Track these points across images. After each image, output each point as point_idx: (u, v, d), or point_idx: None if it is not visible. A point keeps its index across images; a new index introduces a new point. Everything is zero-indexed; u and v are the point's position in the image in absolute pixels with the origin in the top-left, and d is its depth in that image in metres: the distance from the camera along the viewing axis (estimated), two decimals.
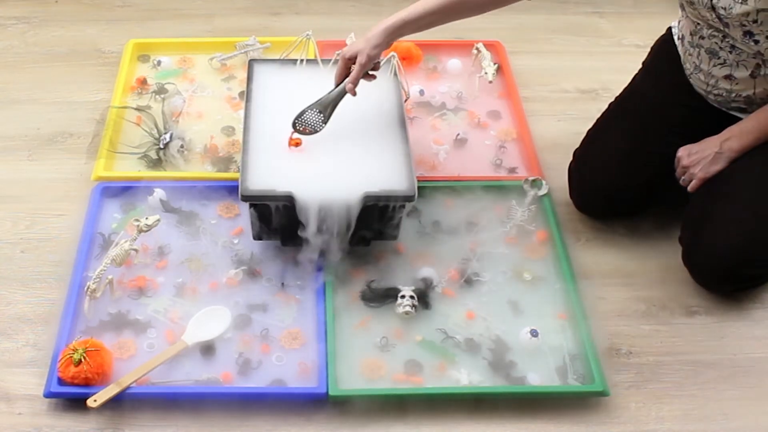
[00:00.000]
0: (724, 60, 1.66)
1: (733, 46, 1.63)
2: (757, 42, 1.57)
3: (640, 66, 1.94)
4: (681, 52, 1.79)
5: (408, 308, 1.65)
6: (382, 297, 1.69)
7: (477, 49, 2.18)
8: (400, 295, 1.67)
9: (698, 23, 1.66)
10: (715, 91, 1.72)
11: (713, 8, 1.57)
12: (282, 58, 1.95)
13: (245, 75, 1.88)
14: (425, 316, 1.67)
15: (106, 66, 2.25)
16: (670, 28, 1.88)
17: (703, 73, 1.72)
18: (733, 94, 1.70)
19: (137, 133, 1.98)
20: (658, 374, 1.63)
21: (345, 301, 1.68)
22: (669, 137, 1.78)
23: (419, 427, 1.53)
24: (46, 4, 2.47)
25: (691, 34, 1.71)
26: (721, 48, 1.65)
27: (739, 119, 1.72)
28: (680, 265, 1.76)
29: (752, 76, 1.65)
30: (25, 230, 1.83)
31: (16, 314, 1.67)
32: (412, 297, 1.67)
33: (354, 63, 1.67)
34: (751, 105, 1.71)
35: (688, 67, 1.77)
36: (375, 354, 1.61)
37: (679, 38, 1.81)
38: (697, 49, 1.71)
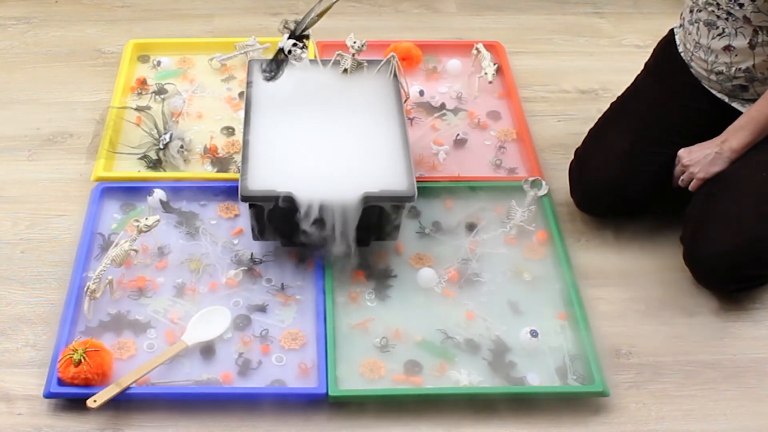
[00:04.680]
0: (723, 29, 1.66)
1: (729, 13, 1.64)
2: (741, 5, 1.59)
3: (639, 66, 1.94)
4: (683, 39, 1.79)
5: (297, 50, 1.70)
6: (275, 65, 1.73)
7: (477, 49, 2.18)
8: (286, 51, 1.71)
9: None
10: (717, 69, 1.71)
11: None
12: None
13: (245, 75, 1.88)
14: (425, 316, 1.67)
15: (106, 66, 2.25)
16: (672, 30, 1.88)
17: (703, 49, 1.72)
18: (734, 69, 1.69)
19: (137, 133, 1.98)
20: (658, 374, 1.63)
21: (345, 301, 1.68)
22: (671, 137, 1.78)
23: (419, 427, 1.53)
24: (46, 4, 2.47)
25: (690, 11, 1.73)
26: (718, 17, 1.66)
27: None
28: (680, 265, 1.76)
29: (751, 45, 1.65)
30: (25, 230, 1.82)
31: (16, 314, 1.67)
32: (294, 45, 1.70)
33: None
34: (752, 82, 1.70)
35: (688, 48, 1.77)
36: (375, 354, 1.61)
37: (680, 26, 1.80)
38: (696, 25, 1.71)
